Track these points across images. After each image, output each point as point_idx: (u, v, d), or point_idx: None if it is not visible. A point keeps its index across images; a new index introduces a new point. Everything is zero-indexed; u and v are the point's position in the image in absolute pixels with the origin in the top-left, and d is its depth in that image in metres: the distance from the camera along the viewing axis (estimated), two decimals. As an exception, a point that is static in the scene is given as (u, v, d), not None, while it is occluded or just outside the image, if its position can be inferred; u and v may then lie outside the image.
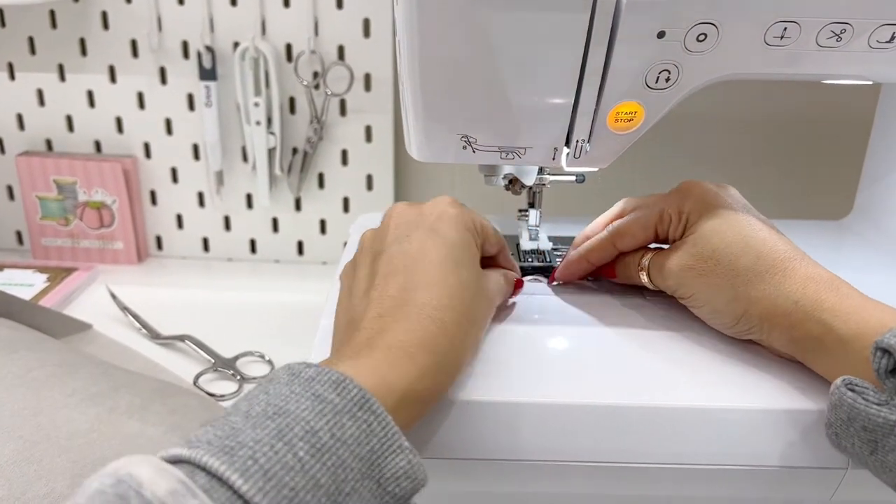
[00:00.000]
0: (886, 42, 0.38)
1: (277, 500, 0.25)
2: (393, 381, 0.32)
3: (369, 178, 0.76)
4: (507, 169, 0.50)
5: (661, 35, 0.38)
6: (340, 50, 0.71)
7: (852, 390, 0.33)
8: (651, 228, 0.45)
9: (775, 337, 0.39)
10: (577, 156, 0.44)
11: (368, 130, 0.74)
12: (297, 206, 0.78)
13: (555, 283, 0.50)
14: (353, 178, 0.76)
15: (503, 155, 0.45)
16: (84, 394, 0.48)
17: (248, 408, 0.28)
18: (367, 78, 0.72)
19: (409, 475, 0.29)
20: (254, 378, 0.57)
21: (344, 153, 0.75)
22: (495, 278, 0.43)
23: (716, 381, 0.40)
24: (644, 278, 0.45)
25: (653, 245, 0.46)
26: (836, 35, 0.38)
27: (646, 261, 0.45)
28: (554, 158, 0.45)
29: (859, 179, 0.61)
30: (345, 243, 0.78)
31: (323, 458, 0.27)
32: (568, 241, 0.55)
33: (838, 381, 0.34)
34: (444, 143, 0.44)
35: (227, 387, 0.56)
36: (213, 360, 0.58)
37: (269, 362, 0.59)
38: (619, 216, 0.47)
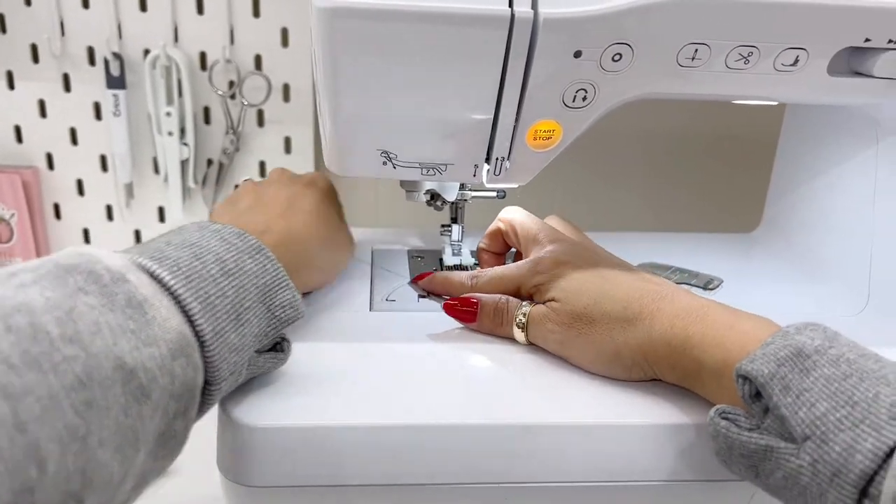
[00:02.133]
0: (791, 65, 0.40)
1: (194, 298, 0.32)
2: (271, 227, 0.43)
3: (289, 191, 0.74)
4: (429, 184, 0.49)
5: (577, 55, 0.38)
6: (257, 59, 0.69)
7: (725, 419, 0.34)
8: (512, 293, 0.45)
9: (663, 374, 0.39)
10: (497, 173, 0.44)
11: (288, 142, 0.72)
12: (213, 219, 0.75)
13: (417, 284, 0.49)
14: (271, 191, 0.74)
15: (424, 171, 0.44)
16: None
17: (167, 241, 0.35)
18: (286, 88, 0.70)
19: (292, 305, 0.38)
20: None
21: (262, 165, 0.73)
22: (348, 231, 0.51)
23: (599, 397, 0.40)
24: (519, 335, 0.43)
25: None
26: (744, 57, 0.39)
27: (522, 316, 0.43)
28: (475, 175, 0.44)
29: (767, 194, 0.64)
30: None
31: (230, 279, 0.35)
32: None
33: (712, 411, 0.34)
34: (363, 157, 0.43)
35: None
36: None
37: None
38: (499, 232, 0.49)
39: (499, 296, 0.44)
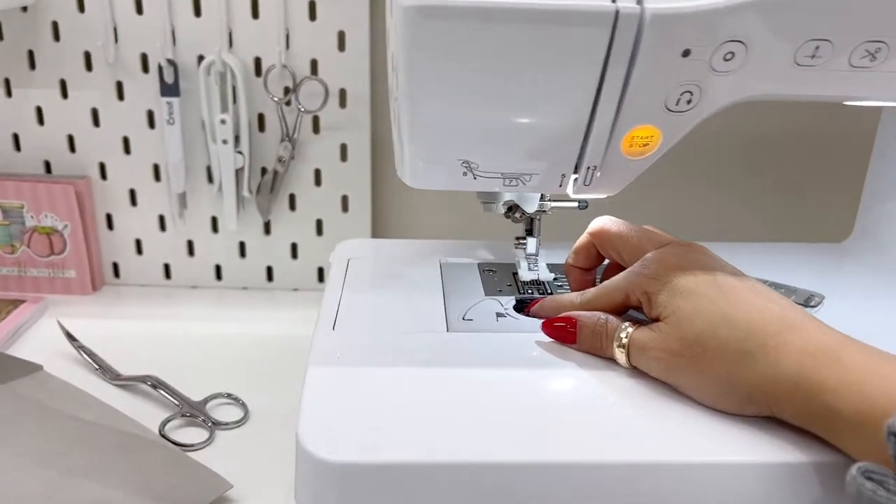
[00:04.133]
0: (921, 62, 0.36)
1: None
2: None
3: (345, 200, 0.72)
4: (508, 195, 0.46)
5: (685, 53, 0.34)
6: (313, 64, 0.67)
7: (870, 479, 0.29)
8: (619, 308, 0.41)
9: (785, 415, 0.35)
10: (587, 183, 0.40)
11: (344, 149, 0.70)
12: (267, 229, 0.73)
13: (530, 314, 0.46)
14: (327, 200, 0.72)
15: (506, 182, 0.41)
16: (35, 453, 0.43)
17: None
18: (343, 94, 0.68)
19: None
20: (225, 424, 0.52)
21: (317, 173, 0.71)
22: None
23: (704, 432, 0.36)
24: (621, 357, 0.40)
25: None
26: (871, 54, 0.35)
27: (624, 336, 0.39)
28: (561, 185, 0.41)
29: (860, 202, 0.59)
30: (320, 269, 0.74)
31: None
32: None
33: (854, 470, 0.30)
34: (441, 168, 0.40)
35: (198, 434, 0.51)
36: (179, 405, 0.53)
37: (243, 405, 0.54)
38: (592, 240, 0.45)
39: (598, 314, 0.41)
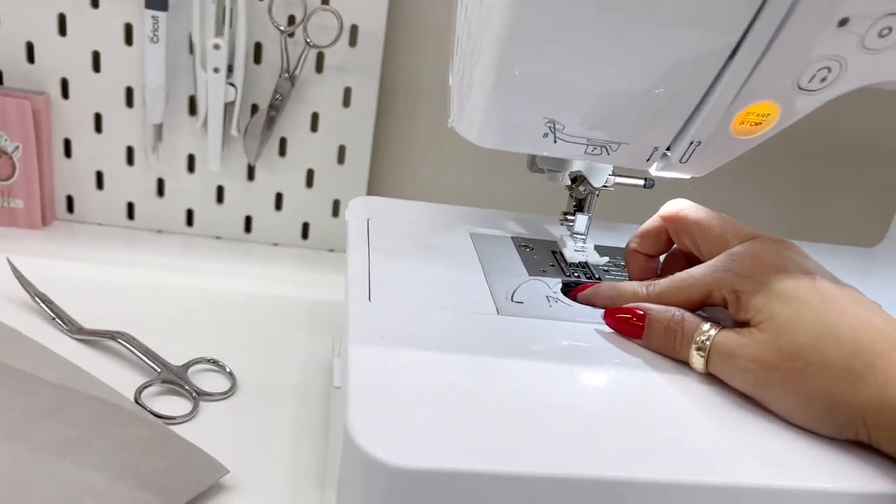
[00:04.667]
0: None
1: None
2: None
3: (341, 150, 0.65)
4: (577, 165, 0.41)
5: (843, 22, 0.30)
6: (327, -8, 0.59)
7: None
8: (696, 305, 0.36)
9: (884, 442, 0.31)
10: (683, 160, 0.35)
11: (348, 93, 0.63)
12: (250, 174, 0.65)
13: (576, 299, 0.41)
14: (322, 149, 0.64)
15: (589, 149, 0.36)
16: (-3, 424, 0.35)
17: None
18: (354, 30, 0.60)
19: None
20: (211, 395, 0.45)
21: (314, 117, 0.63)
22: None
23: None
24: (698, 362, 0.35)
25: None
26: None
27: (705, 339, 0.35)
28: (649, 160, 0.36)
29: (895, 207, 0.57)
30: (305, 224, 0.66)
31: None
32: (618, 252, 0.47)
33: None
34: (521, 126, 0.35)
35: (180, 405, 0.44)
36: (158, 369, 0.46)
37: (231, 374, 0.47)
38: (665, 224, 0.40)
39: (671, 310, 0.36)
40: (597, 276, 0.44)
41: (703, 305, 0.37)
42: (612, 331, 0.38)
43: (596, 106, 0.33)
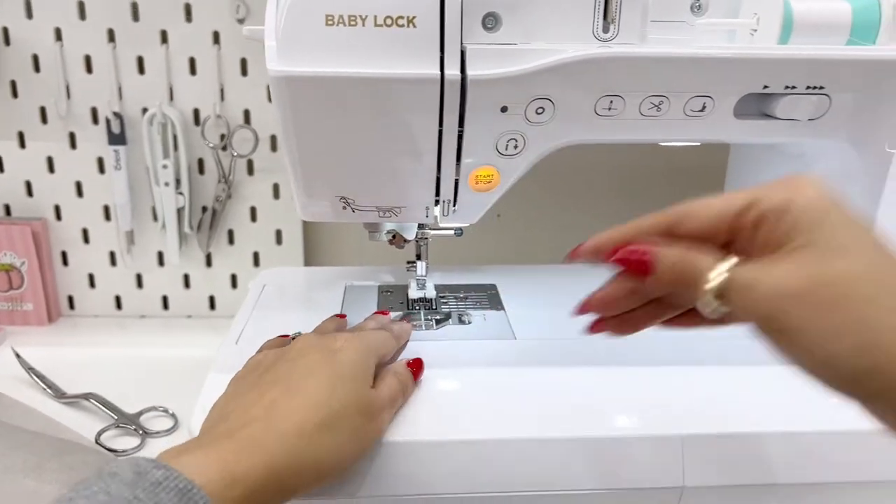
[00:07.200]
0: (699, 111, 0.44)
1: None
2: (239, 474, 0.32)
3: (278, 234, 0.80)
4: (390, 225, 0.54)
5: (503, 109, 0.43)
6: (246, 114, 0.75)
7: None
8: (727, 220, 0.31)
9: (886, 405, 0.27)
10: (445, 214, 0.48)
11: (276, 188, 0.78)
12: (208, 261, 0.80)
13: (571, 261, 0.37)
14: (262, 234, 0.80)
15: (381, 214, 0.49)
16: (-22, 455, 0.49)
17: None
18: (273, 139, 0.76)
19: None
20: (157, 432, 0.59)
21: (253, 210, 0.79)
22: (387, 384, 0.42)
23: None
24: (710, 297, 0.30)
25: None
26: (656, 106, 0.44)
27: (719, 274, 0.30)
28: (427, 216, 0.49)
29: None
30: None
31: None
32: (454, 288, 0.59)
33: None
34: (324, 204, 0.48)
35: (130, 442, 0.58)
36: (115, 417, 0.60)
37: (173, 416, 0.61)
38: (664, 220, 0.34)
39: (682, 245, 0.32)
40: (435, 306, 0.57)
41: (732, 224, 0.32)
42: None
43: (368, 183, 0.47)
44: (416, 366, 0.46)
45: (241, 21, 0.72)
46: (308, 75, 0.41)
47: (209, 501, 0.30)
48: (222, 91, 0.74)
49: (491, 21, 0.42)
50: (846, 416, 0.31)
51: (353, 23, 0.40)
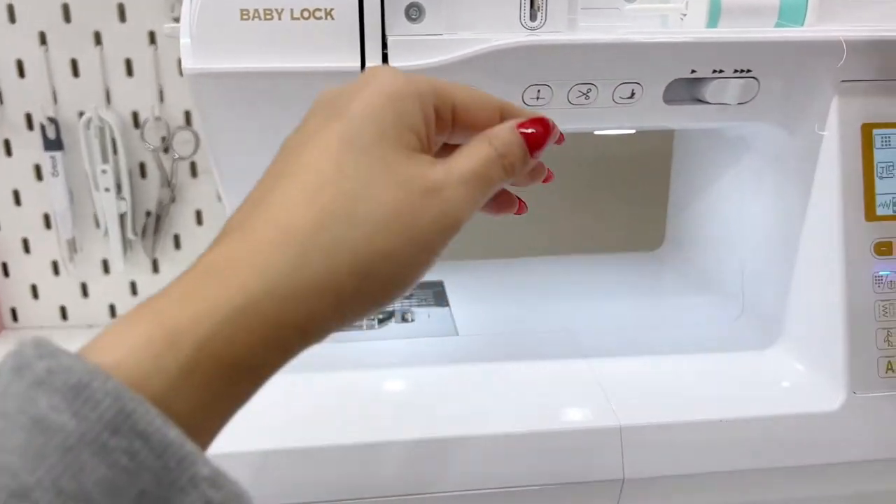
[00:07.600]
0: (628, 97, 0.44)
1: None
2: (184, 324, 0.22)
3: (226, 237, 0.78)
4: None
5: (429, 101, 0.42)
6: (187, 115, 0.73)
7: None
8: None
9: None
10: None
11: (221, 190, 0.76)
12: (155, 268, 0.78)
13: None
14: (208, 238, 0.76)
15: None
16: None
17: None
18: (216, 140, 0.74)
19: None
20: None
21: (198, 213, 0.77)
22: (466, 153, 0.28)
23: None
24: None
25: None
26: (584, 94, 0.43)
27: None
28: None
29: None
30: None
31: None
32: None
33: None
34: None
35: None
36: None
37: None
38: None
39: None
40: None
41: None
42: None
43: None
44: (536, 126, 0.30)
45: (177, 20, 0.70)
46: (224, 71, 0.40)
47: (123, 392, 0.19)
48: (161, 92, 0.72)
49: (415, 12, 0.41)
50: (783, 402, 0.31)
51: (268, 16, 0.39)
